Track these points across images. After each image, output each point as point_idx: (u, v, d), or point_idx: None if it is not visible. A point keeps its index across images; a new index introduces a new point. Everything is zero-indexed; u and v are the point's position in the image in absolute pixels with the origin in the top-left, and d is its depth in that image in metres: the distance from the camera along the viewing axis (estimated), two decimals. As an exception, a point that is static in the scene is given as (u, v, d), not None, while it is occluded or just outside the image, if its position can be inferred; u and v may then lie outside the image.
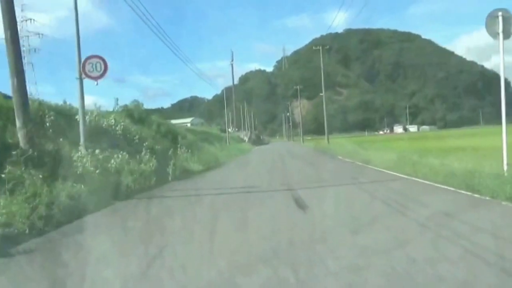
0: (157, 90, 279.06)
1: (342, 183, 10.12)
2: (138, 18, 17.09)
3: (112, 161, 9.98)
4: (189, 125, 67.88)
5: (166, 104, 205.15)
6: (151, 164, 12.59)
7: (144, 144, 14.08)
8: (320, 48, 39.23)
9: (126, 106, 19.08)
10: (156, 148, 15.10)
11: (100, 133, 12.37)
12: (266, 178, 12.74)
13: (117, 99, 19.18)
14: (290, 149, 42.26)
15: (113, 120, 13.51)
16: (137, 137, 14.56)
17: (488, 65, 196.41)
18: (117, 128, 13.34)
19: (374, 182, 10.03)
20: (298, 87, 71.01)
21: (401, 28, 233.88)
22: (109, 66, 9.60)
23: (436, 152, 16.16)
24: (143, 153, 12.96)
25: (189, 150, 18.81)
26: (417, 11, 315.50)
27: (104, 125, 13.21)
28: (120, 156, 10.54)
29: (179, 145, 18.24)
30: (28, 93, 9.23)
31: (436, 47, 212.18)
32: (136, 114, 19.18)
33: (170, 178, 12.90)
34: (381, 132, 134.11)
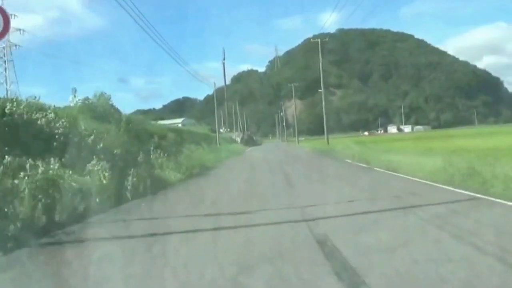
0: (149, 91, 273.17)
1: (387, 208, 6.47)
2: (131, 20, 14.65)
3: (22, 174, 6.28)
4: (180, 125, 65.46)
5: (158, 105, 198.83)
6: (102, 175, 8.96)
7: (98, 147, 10.38)
8: (319, 41, 35.73)
9: (86, 98, 15.27)
10: (116, 153, 11.40)
11: (27, 132, 8.66)
12: (265, 195, 9.14)
13: (74, 90, 15.37)
14: (287, 151, 38.67)
15: (52, 115, 9.75)
16: (91, 138, 10.83)
17: (480, 64, 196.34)
18: (57, 125, 9.59)
19: (442, 205, 6.41)
20: (293, 84, 67.40)
21: (394, 28, 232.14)
22: (11, 20, 5.88)
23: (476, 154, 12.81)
24: (94, 161, 9.30)
25: (166, 154, 15.09)
26: (409, 11, 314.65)
27: (39, 121, 9.47)
28: (41, 166, 6.85)
29: (152, 148, 14.53)
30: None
31: (429, 47, 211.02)
32: (100, 109, 15.45)
33: (130, 195, 9.20)
34: (366, 133, 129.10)
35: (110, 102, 16.90)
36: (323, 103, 36.27)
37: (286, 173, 14.76)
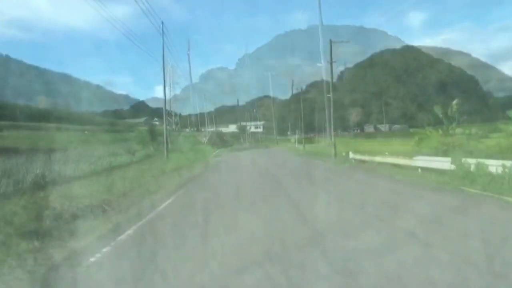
0: (117, 91, 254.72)
1: None
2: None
3: None
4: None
5: (126, 106, 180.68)
6: None
7: None
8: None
9: None
10: None
11: None
12: None
13: None
14: (286, 161, 25.97)
15: None
16: None
17: (455, 62, 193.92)
18: None
19: None
20: (269, 73, 54.92)
21: (367, 25, 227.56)
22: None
23: None
24: None
25: None
26: (382, 9, 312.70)
27: None
28: None
29: None
30: None
31: (403, 44, 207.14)
32: None
33: None
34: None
35: None
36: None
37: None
